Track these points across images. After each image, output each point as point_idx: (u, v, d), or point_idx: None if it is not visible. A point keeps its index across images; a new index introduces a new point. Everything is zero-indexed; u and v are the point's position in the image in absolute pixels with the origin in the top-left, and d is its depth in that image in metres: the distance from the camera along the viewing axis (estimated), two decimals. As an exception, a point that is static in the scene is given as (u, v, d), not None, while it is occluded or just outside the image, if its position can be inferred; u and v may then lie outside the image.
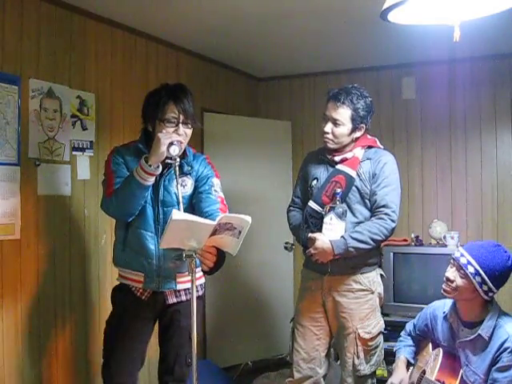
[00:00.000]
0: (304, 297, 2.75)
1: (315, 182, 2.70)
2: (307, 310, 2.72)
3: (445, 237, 3.95)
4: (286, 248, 4.60)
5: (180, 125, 2.27)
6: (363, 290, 2.62)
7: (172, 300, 2.39)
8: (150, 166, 2.18)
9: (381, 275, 2.74)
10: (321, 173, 2.70)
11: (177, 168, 2.15)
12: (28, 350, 2.73)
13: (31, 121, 2.75)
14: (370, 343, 2.61)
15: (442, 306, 2.40)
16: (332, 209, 2.53)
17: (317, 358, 2.70)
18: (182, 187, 2.34)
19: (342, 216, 2.53)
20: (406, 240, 4.08)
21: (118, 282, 2.45)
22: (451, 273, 2.21)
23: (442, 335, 2.35)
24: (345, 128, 2.60)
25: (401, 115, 4.39)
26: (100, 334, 2.45)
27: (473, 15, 1.64)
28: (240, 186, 4.25)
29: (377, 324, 2.65)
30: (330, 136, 2.63)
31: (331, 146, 2.65)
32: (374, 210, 2.60)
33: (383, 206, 2.57)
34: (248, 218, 1.89)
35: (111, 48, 3.29)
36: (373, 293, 2.64)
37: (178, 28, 3.46)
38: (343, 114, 2.59)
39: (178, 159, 2.17)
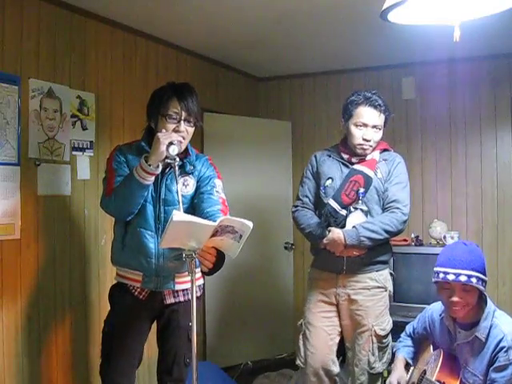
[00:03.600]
0: (315, 297, 2.75)
1: (330, 181, 2.71)
2: (320, 310, 2.73)
3: (445, 237, 3.95)
4: (286, 248, 4.61)
5: (182, 122, 2.27)
6: (379, 288, 2.66)
7: (170, 300, 2.38)
8: (150, 165, 2.18)
9: (390, 273, 2.78)
10: (335, 172, 2.72)
11: (176, 168, 2.15)
12: (28, 350, 2.73)
13: (31, 121, 2.75)
14: (384, 340, 2.65)
15: (440, 308, 2.36)
16: (356, 209, 2.59)
17: (330, 359, 2.72)
18: (184, 187, 2.35)
19: (366, 216, 2.60)
20: (405, 240, 4.07)
21: (117, 282, 2.45)
22: (456, 296, 2.11)
23: (440, 338, 2.34)
24: (381, 132, 2.66)
25: (401, 115, 4.38)
26: (100, 334, 2.45)
27: (473, 15, 1.64)
28: (240, 186, 4.25)
29: (389, 321, 2.69)
30: (371, 143, 2.64)
31: (368, 152, 2.67)
32: (386, 205, 2.65)
33: (394, 201, 2.63)
34: (249, 223, 1.88)
35: (111, 48, 3.28)
36: (386, 290, 2.68)
37: (178, 28, 3.45)
38: (382, 118, 2.64)
39: (178, 159, 2.17)
